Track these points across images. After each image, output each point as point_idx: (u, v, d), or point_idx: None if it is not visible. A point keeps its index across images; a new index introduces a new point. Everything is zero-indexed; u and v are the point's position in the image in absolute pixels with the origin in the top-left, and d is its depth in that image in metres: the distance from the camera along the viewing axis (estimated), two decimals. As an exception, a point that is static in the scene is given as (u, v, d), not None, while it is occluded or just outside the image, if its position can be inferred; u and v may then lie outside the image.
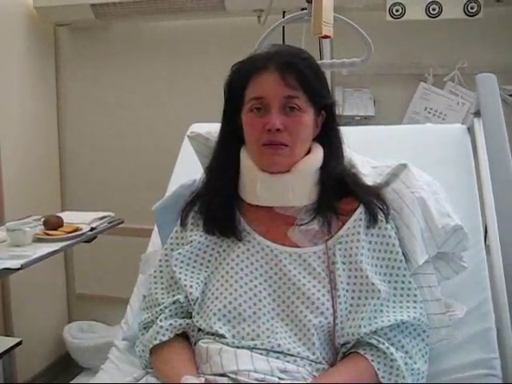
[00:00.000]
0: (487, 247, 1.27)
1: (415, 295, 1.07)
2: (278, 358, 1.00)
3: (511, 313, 0.99)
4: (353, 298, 1.05)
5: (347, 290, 1.05)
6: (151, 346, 1.07)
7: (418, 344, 1.06)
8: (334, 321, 1.02)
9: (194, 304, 1.08)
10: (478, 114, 1.46)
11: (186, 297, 1.08)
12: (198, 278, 1.10)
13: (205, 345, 1.03)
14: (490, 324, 1.22)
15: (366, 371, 1.00)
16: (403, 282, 1.07)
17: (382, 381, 0.99)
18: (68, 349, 2.64)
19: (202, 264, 1.12)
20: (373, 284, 1.04)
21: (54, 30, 2.68)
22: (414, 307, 1.06)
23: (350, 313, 1.04)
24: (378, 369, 1.00)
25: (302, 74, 1.08)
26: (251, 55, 1.16)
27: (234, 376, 0.95)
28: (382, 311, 1.04)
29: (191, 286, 1.08)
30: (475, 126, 1.48)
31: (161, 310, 1.10)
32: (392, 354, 1.00)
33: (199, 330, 1.07)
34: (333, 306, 1.03)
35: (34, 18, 2.51)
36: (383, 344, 1.01)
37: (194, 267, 1.12)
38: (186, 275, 1.10)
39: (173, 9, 2.34)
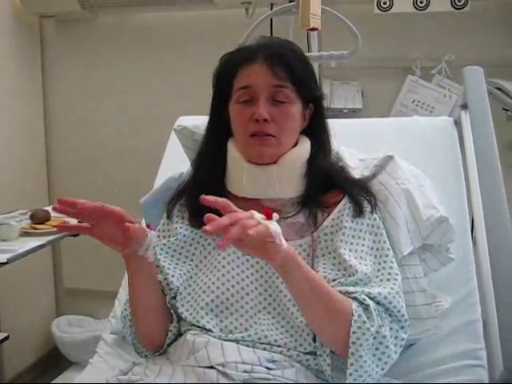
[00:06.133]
0: (474, 239, 1.28)
1: (395, 278, 1.03)
2: (264, 349, 1.00)
3: (497, 304, 1.00)
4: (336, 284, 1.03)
5: (333, 280, 1.03)
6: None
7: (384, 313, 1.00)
8: None
9: (174, 293, 1.09)
10: (465, 106, 1.47)
11: (165, 279, 1.09)
12: (181, 270, 1.11)
13: (192, 337, 1.03)
14: (476, 315, 1.23)
15: (345, 300, 0.96)
16: (385, 262, 1.05)
17: (355, 314, 0.94)
18: (56, 343, 2.62)
19: (186, 257, 1.13)
20: (351, 266, 1.01)
21: (40, 21, 2.64)
22: (392, 287, 1.01)
23: None
24: (356, 306, 0.95)
25: (290, 65, 1.08)
26: (240, 46, 1.16)
27: (221, 368, 0.95)
28: (354, 286, 1.00)
29: (173, 276, 1.09)
30: (462, 119, 1.49)
31: None
32: (366, 301, 0.96)
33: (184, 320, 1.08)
34: None
35: (18, 10, 2.47)
36: (360, 295, 0.97)
37: (178, 259, 1.12)
38: (169, 264, 1.11)
39: (161, 1, 2.33)
